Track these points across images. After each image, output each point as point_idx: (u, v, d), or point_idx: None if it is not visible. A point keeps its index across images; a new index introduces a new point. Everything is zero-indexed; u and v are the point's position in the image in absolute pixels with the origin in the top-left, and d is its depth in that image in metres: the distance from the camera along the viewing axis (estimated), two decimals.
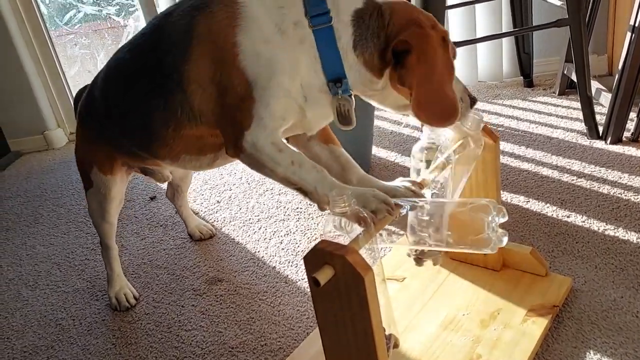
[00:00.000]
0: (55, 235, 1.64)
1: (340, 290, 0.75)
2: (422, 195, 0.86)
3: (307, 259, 0.77)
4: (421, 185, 0.88)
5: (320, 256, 0.75)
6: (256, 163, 0.85)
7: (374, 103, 0.95)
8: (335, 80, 0.86)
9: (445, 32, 0.88)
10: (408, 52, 0.83)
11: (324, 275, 0.74)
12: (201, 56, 0.85)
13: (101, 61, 2.39)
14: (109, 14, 2.27)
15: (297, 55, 0.84)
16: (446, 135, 0.97)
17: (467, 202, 0.83)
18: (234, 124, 0.85)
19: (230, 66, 0.83)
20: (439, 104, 0.85)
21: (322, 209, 0.87)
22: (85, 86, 1.17)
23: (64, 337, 1.21)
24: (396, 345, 0.90)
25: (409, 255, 1.14)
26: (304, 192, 0.86)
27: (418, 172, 0.97)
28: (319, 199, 0.85)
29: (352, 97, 0.89)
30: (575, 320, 1.01)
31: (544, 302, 1.03)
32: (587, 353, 0.93)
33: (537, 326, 0.98)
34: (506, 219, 0.79)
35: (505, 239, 0.80)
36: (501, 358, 0.93)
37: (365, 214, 0.79)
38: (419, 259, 1.12)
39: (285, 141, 0.90)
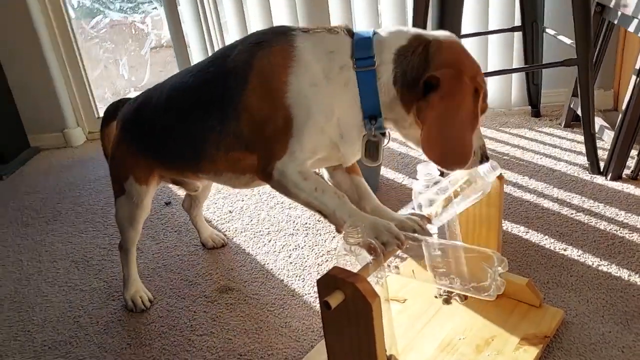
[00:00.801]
0: (73, 234, 1.72)
1: (349, 314, 0.82)
2: (428, 231, 0.93)
3: (320, 283, 0.84)
4: (429, 219, 0.95)
5: (332, 282, 0.82)
6: (282, 188, 0.93)
7: (401, 137, 1.02)
8: (371, 117, 0.94)
9: (481, 85, 0.91)
10: (435, 88, 0.88)
11: (335, 300, 0.81)
12: (256, 88, 0.93)
13: (123, 65, 2.48)
14: (134, 21, 2.35)
15: (339, 96, 0.92)
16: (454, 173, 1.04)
17: (474, 250, 0.90)
18: (268, 152, 0.93)
19: (277, 102, 0.91)
20: (451, 146, 0.92)
21: (338, 231, 0.95)
22: (121, 100, 1.24)
23: (82, 334, 1.28)
24: None
25: (436, 297, 1.21)
26: (324, 215, 0.94)
27: (420, 208, 1.03)
28: (336, 221, 0.93)
29: (386, 134, 0.96)
30: (565, 352, 1.07)
31: (536, 332, 1.09)
32: None
33: (529, 355, 1.04)
34: (506, 269, 0.85)
35: (503, 288, 0.87)
36: None
37: (376, 245, 0.86)
38: (448, 298, 1.19)
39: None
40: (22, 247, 1.66)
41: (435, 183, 1.02)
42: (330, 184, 1.02)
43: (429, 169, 1.01)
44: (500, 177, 1.08)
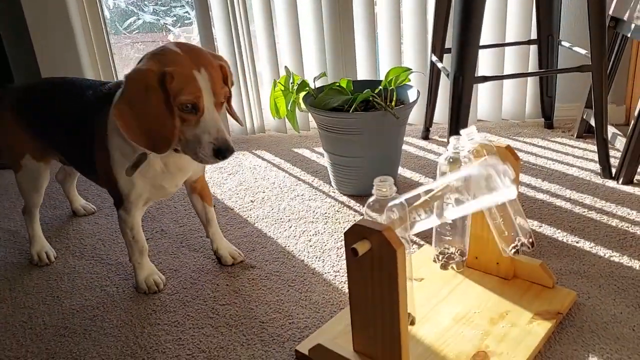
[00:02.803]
0: (99, 216, 1.78)
1: (374, 261, 0.87)
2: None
3: (347, 233, 0.89)
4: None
5: (359, 231, 0.88)
6: None
7: None
8: None
9: (169, 73, 1.07)
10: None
11: (362, 247, 0.86)
12: None
13: None
14: (166, 24, 2.46)
15: None
16: (468, 148, 1.10)
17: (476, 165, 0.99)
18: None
19: None
20: (142, 135, 1.11)
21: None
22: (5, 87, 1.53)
23: (109, 301, 1.33)
24: (412, 323, 1.02)
25: (434, 261, 1.26)
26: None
27: (442, 175, 1.10)
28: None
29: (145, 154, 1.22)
30: (577, 328, 1.11)
31: (549, 309, 1.13)
32: (586, 356, 1.03)
33: (542, 328, 1.08)
34: (513, 175, 0.97)
35: (515, 189, 0.96)
36: (507, 350, 1.03)
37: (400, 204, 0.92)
38: (446, 263, 1.24)
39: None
40: (50, 226, 1.73)
41: (461, 156, 1.08)
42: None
43: (459, 142, 1.07)
44: (516, 158, 1.13)
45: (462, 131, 1.10)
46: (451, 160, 1.12)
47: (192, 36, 2.50)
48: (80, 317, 1.28)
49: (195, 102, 1.08)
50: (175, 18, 2.48)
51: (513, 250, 1.09)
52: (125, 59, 2.60)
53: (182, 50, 1.11)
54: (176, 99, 1.07)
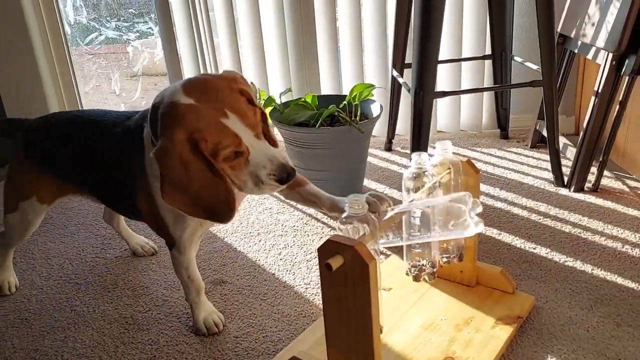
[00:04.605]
0: (66, 235, 1.76)
1: (347, 276, 0.91)
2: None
3: (321, 249, 0.93)
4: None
5: (332, 247, 0.91)
6: None
7: None
8: None
9: (203, 138, 0.98)
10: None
11: (336, 263, 0.90)
12: None
13: (115, 81, 2.56)
14: (129, 39, 2.45)
15: None
16: (432, 162, 1.16)
17: (449, 197, 1.03)
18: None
19: None
20: (203, 205, 1.03)
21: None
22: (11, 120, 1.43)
23: (80, 321, 1.32)
24: (380, 332, 1.06)
25: (407, 274, 1.31)
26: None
27: (408, 192, 1.15)
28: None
29: None
30: (536, 331, 1.18)
31: (510, 314, 1.20)
32: (546, 357, 1.10)
33: (504, 332, 1.14)
34: (481, 209, 0.99)
35: (482, 225, 0.98)
36: (472, 355, 1.09)
37: (372, 215, 0.96)
38: (418, 275, 1.29)
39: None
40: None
41: (424, 172, 1.14)
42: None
43: (421, 158, 1.12)
44: (476, 171, 1.20)
45: (437, 144, 1.16)
46: (415, 176, 1.18)
47: (155, 51, 2.50)
48: (51, 338, 1.27)
49: (237, 150, 1.01)
50: (138, 34, 2.48)
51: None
52: (86, 76, 2.57)
53: (195, 98, 1.00)
54: (217, 158, 0.99)
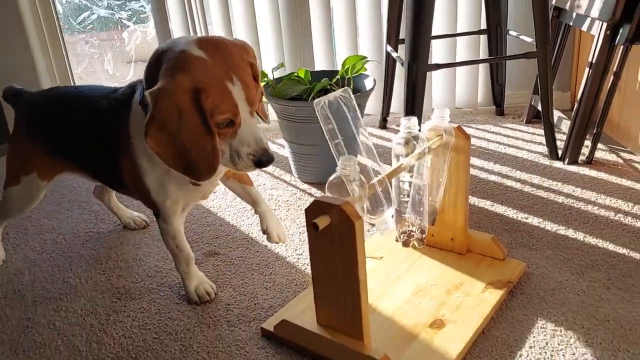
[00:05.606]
0: (60, 211, 1.76)
1: (334, 235, 0.91)
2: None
3: (308, 209, 0.93)
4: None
5: (319, 207, 0.91)
6: None
7: None
8: None
9: (204, 87, 0.96)
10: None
11: (322, 222, 0.90)
12: None
13: (108, 61, 2.55)
14: (121, 18, 2.44)
15: None
16: (424, 128, 1.15)
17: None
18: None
19: None
20: (184, 160, 1.02)
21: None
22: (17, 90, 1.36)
23: (72, 292, 1.32)
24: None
25: (396, 240, 1.31)
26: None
27: (398, 158, 1.14)
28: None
29: None
30: (527, 295, 1.18)
31: (500, 279, 1.20)
32: (535, 319, 1.10)
33: (494, 296, 1.15)
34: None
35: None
36: (461, 317, 1.09)
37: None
38: (407, 240, 1.29)
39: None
40: (8, 223, 1.70)
41: (414, 137, 1.13)
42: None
43: (410, 122, 1.12)
44: (467, 137, 1.20)
45: (435, 110, 1.16)
46: (405, 142, 1.17)
47: (147, 30, 2.49)
48: (44, 308, 1.27)
49: (233, 118, 1.00)
50: (130, 12, 2.46)
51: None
52: (79, 56, 2.56)
53: (207, 54, 0.98)
54: (212, 118, 0.97)
